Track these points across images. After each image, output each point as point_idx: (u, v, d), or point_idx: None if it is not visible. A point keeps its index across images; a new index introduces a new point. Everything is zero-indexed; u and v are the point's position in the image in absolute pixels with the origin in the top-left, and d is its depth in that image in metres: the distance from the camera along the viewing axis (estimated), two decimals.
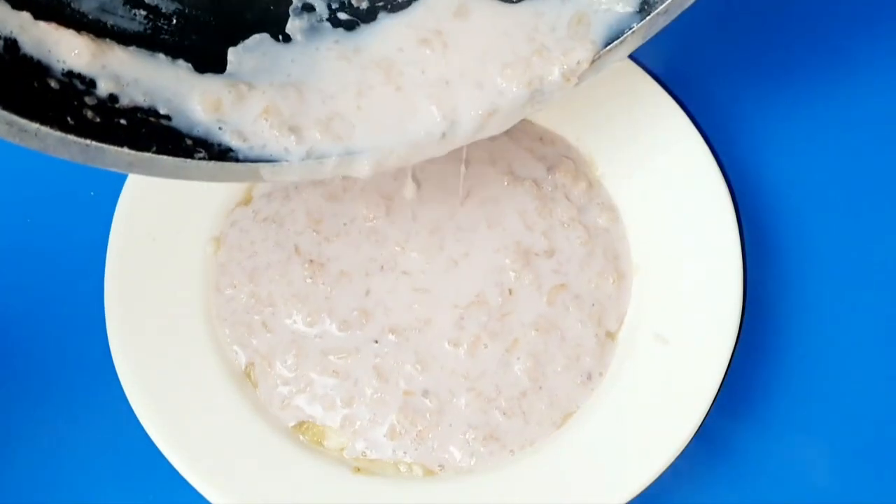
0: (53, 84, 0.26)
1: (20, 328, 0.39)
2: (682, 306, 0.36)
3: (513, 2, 0.31)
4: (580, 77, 0.30)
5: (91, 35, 0.27)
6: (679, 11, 0.30)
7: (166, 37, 0.29)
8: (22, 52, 0.25)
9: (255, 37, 0.31)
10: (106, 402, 0.36)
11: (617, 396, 0.35)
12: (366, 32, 0.31)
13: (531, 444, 0.35)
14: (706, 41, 0.45)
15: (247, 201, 0.39)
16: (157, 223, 0.38)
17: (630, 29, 0.30)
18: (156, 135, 0.27)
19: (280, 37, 0.31)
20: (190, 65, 0.29)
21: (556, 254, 0.38)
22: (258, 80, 0.30)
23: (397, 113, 0.30)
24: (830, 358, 0.38)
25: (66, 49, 0.26)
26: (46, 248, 0.41)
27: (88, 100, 0.26)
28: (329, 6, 0.32)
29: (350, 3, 0.32)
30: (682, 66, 0.42)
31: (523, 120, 0.40)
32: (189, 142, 0.28)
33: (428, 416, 0.35)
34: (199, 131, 0.28)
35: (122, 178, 0.38)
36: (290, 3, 0.31)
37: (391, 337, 0.36)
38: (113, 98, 0.27)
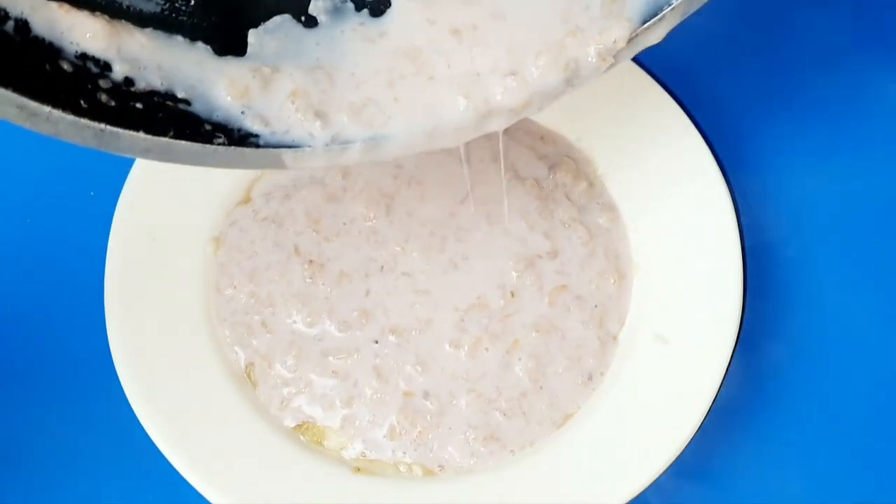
0: (66, 67, 0.25)
1: (20, 328, 0.39)
2: (682, 306, 0.36)
3: None
4: (616, 56, 0.29)
5: (106, 16, 0.26)
6: None
7: (184, 18, 0.28)
8: (33, 33, 0.24)
9: (276, 18, 0.29)
10: (106, 402, 0.36)
11: (617, 396, 0.35)
12: (389, 17, 0.30)
13: (531, 444, 0.35)
14: (707, 41, 0.45)
15: (246, 200, 0.39)
16: (156, 223, 0.37)
17: (669, 5, 0.28)
18: (173, 119, 0.26)
19: (302, 18, 0.30)
20: (209, 47, 0.28)
21: (559, 255, 0.38)
22: (283, 63, 0.29)
23: (430, 102, 0.29)
24: (830, 358, 0.38)
25: (80, 31, 0.25)
26: (46, 247, 0.41)
27: (103, 83, 0.25)
28: None
29: None
30: (683, 65, 0.42)
31: (524, 119, 0.41)
32: (208, 127, 0.27)
33: (428, 417, 0.35)
34: (218, 116, 0.27)
35: (122, 178, 0.38)
36: None
37: (391, 338, 0.36)
38: (128, 81, 0.26)
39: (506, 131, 0.40)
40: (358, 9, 0.30)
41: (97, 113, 0.24)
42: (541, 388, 0.36)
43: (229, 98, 0.27)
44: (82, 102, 0.24)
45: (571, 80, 0.29)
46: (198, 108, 0.27)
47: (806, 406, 0.38)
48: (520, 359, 0.36)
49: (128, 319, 0.35)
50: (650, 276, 0.37)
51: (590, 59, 0.28)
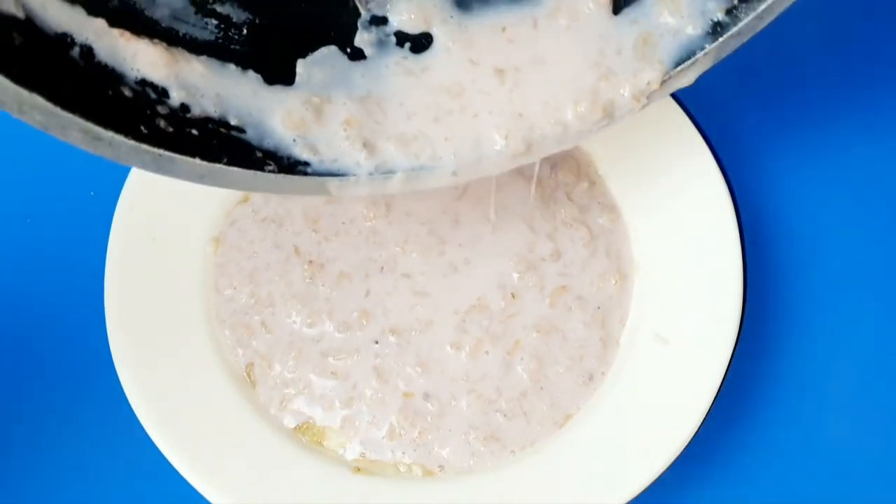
0: (127, 92, 0.25)
1: (20, 328, 0.39)
2: (683, 306, 0.36)
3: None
4: (650, 97, 0.30)
5: (164, 44, 0.26)
6: (751, 34, 0.30)
7: (237, 47, 0.29)
8: (97, 59, 0.25)
9: (323, 50, 0.30)
10: (106, 402, 0.36)
11: (617, 397, 0.35)
12: (431, 54, 0.31)
13: (532, 444, 0.35)
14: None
15: (245, 199, 0.39)
16: (156, 223, 0.37)
17: (702, 50, 0.30)
18: (226, 146, 0.27)
19: (348, 50, 0.30)
20: (260, 76, 0.29)
21: (561, 256, 0.38)
22: (333, 93, 0.30)
23: (474, 138, 0.30)
24: (830, 358, 0.38)
25: (141, 58, 0.26)
26: (46, 248, 0.41)
27: (161, 109, 0.26)
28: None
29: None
30: None
31: None
32: (259, 154, 0.28)
33: (429, 418, 0.35)
34: (269, 144, 0.28)
35: (122, 179, 0.38)
36: (360, 15, 0.31)
37: (392, 338, 0.36)
38: (184, 108, 0.27)
39: None
40: (400, 44, 0.31)
41: (155, 138, 0.25)
42: (541, 388, 0.36)
43: (284, 128, 0.28)
44: (142, 128, 0.25)
45: (607, 119, 0.30)
46: (251, 135, 0.28)
47: (806, 406, 0.38)
48: (522, 359, 0.36)
49: (128, 319, 0.35)
50: (650, 276, 0.37)
51: (624, 100, 0.30)
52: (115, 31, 0.25)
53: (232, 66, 0.28)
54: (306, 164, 0.29)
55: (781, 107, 0.43)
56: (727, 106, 0.43)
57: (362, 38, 0.31)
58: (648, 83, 0.30)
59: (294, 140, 0.29)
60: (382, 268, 0.38)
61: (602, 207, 0.39)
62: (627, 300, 0.37)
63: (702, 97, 0.41)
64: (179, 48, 0.27)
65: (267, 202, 0.39)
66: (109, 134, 0.24)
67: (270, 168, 0.28)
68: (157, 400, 0.34)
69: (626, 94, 0.30)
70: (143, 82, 0.26)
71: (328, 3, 0.31)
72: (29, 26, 0.23)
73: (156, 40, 0.26)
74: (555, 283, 0.37)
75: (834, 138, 0.42)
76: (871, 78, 0.44)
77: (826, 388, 0.38)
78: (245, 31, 0.29)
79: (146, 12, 0.26)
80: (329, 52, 0.30)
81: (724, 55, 0.30)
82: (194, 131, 0.27)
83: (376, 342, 0.36)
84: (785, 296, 0.39)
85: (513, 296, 0.37)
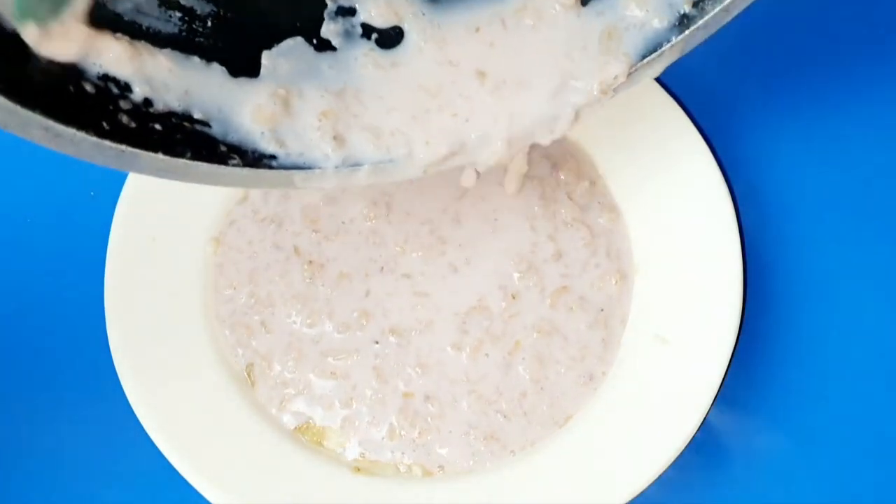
0: (89, 88, 0.25)
1: (20, 328, 0.39)
2: (682, 306, 0.36)
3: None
4: (617, 90, 0.30)
5: (128, 37, 0.26)
6: (718, 26, 0.30)
7: (201, 39, 0.28)
8: None
9: (289, 41, 0.30)
10: (106, 402, 0.36)
11: (617, 397, 0.35)
12: (403, 50, 0.31)
13: (532, 444, 0.35)
14: (707, 42, 0.45)
15: (245, 198, 0.39)
16: (156, 223, 0.37)
17: (668, 42, 0.30)
18: (190, 140, 0.27)
19: (314, 41, 0.30)
20: (224, 69, 0.28)
21: (562, 256, 0.38)
22: (305, 86, 0.29)
23: (445, 132, 0.30)
24: (831, 358, 0.38)
25: (104, 53, 0.25)
26: (46, 248, 0.41)
27: (123, 104, 0.26)
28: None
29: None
30: (682, 64, 0.42)
31: None
32: (223, 148, 0.28)
33: (429, 419, 0.35)
34: (234, 138, 0.28)
35: (122, 179, 0.38)
36: (325, 6, 0.30)
37: (392, 338, 0.36)
38: (148, 102, 0.26)
39: None
40: (366, 35, 0.30)
41: (118, 134, 0.25)
42: (542, 388, 0.36)
43: (253, 122, 0.28)
44: (104, 124, 0.25)
45: (578, 114, 0.30)
46: (215, 129, 0.28)
47: (806, 406, 0.38)
48: (524, 358, 0.36)
49: (128, 319, 0.35)
50: (649, 276, 0.37)
51: (593, 94, 0.30)
52: (79, 26, 0.25)
53: (196, 60, 0.28)
54: (272, 157, 0.29)
55: (782, 107, 0.43)
56: (727, 106, 0.42)
57: (329, 29, 0.30)
58: (615, 77, 0.30)
59: (262, 133, 0.28)
60: (382, 268, 0.38)
61: (602, 207, 0.39)
62: (628, 300, 0.37)
63: (702, 97, 0.41)
64: (143, 42, 0.26)
65: (266, 202, 0.39)
66: (71, 131, 0.23)
67: (235, 162, 0.28)
68: (156, 400, 0.34)
69: (593, 89, 0.30)
70: (106, 77, 0.25)
71: None
72: None
73: (119, 35, 0.26)
74: (556, 283, 0.37)
75: (836, 139, 0.42)
76: (873, 77, 0.43)
77: (826, 388, 0.38)
78: (209, 24, 0.29)
79: (108, 6, 0.26)
80: (295, 44, 0.30)
81: (690, 47, 0.30)
82: (157, 126, 0.26)
83: (376, 342, 0.36)
84: (785, 296, 0.39)
85: (513, 297, 0.37)
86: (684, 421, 0.33)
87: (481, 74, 0.30)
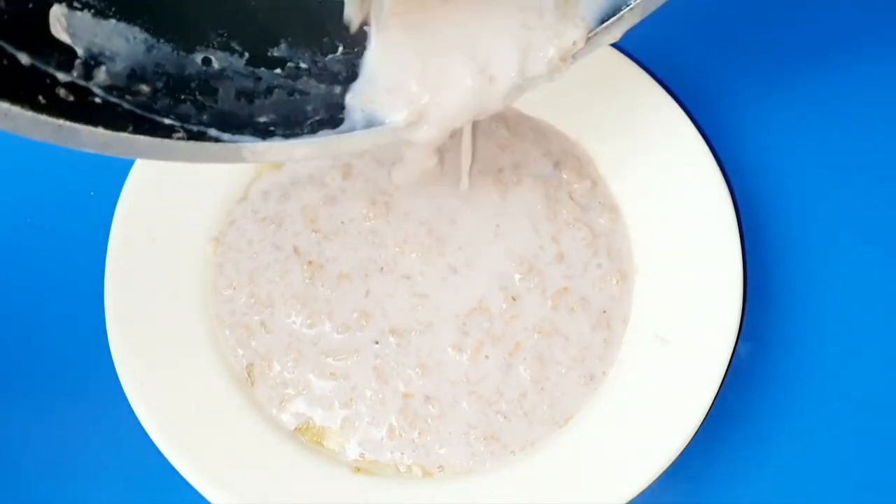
0: (24, 60, 0.24)
1: (20, 328, 0.39)
2: (683, 306, 0.36)
3: None
4: (576, 56, 0.29)
5: (65, 4, 0.25)
6: None
7: (144, 6, 0.27)
8: None
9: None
10: (106, 402, 0.36)
11: (617, 397, 0.35)
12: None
13: (532, 444, 0.35)
14: (706, 40, 0.45)
15: (244, 198, 0.39)
16: (156, 223, 0.37)
17: (627, 6, 0.29)
18: (132, 114, 0.26)
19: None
20: (170, 46, 0.28)
21: (564, 257, 0.38)
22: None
23: (402, 108, 0.29)
24: (831, 357, 0.38)
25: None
26: (46, 248, 0.41)
27: (61, 76, 0.25)
28: None
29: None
30: (682, 64, 0.42)
31: (527, 117, 0.40)
32: (167, 121, 0.27)
33: (429, 420, 0.35)
34: (180, 109, 0.27)
35: (122, 178, 0.38)
36: None
37: (392, 339, 0.36)
38: (88, 75, 0.25)
39: (509, 127, 0.40)
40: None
41: (56, 108, 0.24)
42: (542, 388, 0.36)
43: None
44: (41, 98, 0.24)
45: (533, 83, 0.29)
46: (160, 103, 0.27)
47: (806, 406, 0.38)
48: (524, 359, 0.36)
49: (128, 320, 0.35)
50: (649, 276, 0.37)
51: (551, 61, 0.29)
52: None
53: (137, 30, 0.27)
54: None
55: (783, 107, 0.43)
56: (728, 106, 0.42)
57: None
58: (574, 43, 0.29)
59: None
60: (382, 268, 0.38)
61: (603, 207, 0.39)
62: (628, 300, 0.37)
63: (702, 97, 0.41)
64: (83, 10, 0.26)
65: (266, 201, 0.39)
66: (5, 105, 0.22)
67: (179, 136, 0.27)
68: (157, 400, 0.34)
69: (552, 56, 0.29)
70: (43, 50, 0.24)
71: None
72: None
73: (54, 1, 0.25)
74: (557, 284, 0.37)
75: (836, 139, 0.42)
76: (873, 76, 0.43)
77: (826, 388, 0.38)
78: None
79: None
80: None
81: (651, 10, 0.29)
82: (97, 100, 0.25)
83: (376, 343, 0.36)
84: (785, 296, 0.39)
85: (514, 298, 0.37)
86: (684, 421, 0.33)
87: (437, 43, 0.29)
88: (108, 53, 0.26)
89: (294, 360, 0.36)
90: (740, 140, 0.42)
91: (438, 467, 0.35)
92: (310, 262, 0.38)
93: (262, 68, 0.30)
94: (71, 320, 0.39)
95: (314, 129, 0.29)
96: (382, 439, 0.35)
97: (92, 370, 0.37)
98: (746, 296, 0.36)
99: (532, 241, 0.38)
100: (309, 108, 0.29)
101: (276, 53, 0.30)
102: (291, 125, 0.29)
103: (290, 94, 0.30)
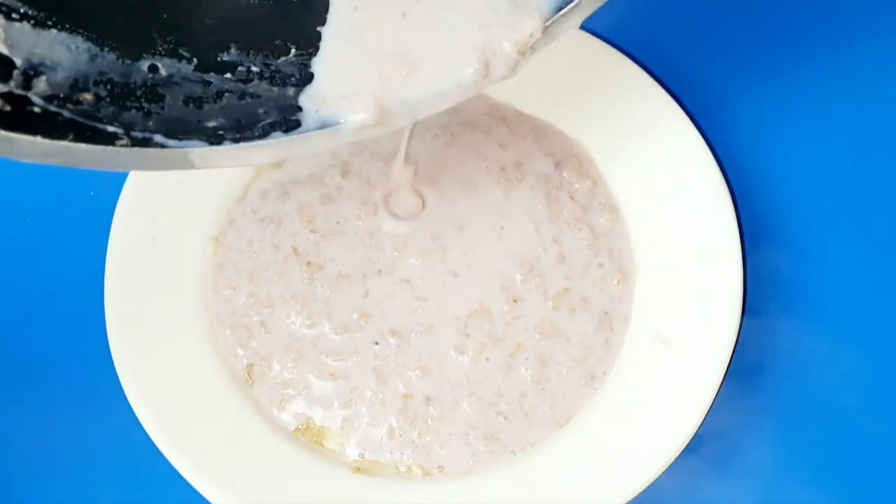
0: None
1: (20, 328, 0.39)
2: (682, 306, 0.36)
3: None
4: (534, 47, 0.28)
5: (2, 15, 0.24)
6: None
7: (87, 16, 0.27)
8: None
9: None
10: (106, 402, 0.36)
11: (617, 397, 0.35)
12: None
13: (532, 444, 0.35)
14: (706, 40, 0.44)
15: (243, 197, 0.39)
16: (156, 223, 0.37)
17: None
18: (73, 122, 0.25)
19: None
20: (115, 54, 0.27)
21: (565, 258, 0.38)
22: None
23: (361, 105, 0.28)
24: (831, 357, 0.38)
25: None
26: (46, 248, 0.41)
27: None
28: None
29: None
30: (682, 65, 0.42)
31: (527, 116, 0.40)
32: (111, 128, 0.26)
33: (429, 421, 0.35)
34: (123, 117, 0.26)
35: (121, 178, 0.38)
36: None
37: (391, 340, 0.36)
38: (27, 86, 0.25)
39: (508, 126, 0.40)
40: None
41: None
42: (543, 389, 0.36)
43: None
44: None
45: (491, 76, 0.29)
46: (103, 109, 0.26)
47: (807, 406, 0.38)
48: (525, 360, 0.36)
49: (128, 320, 0.35)
50: (649, 276, 0.37)
51: (508, 54, 0.28)
52: None
53: (80, 40, 0.26)
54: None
55: (783, 107, 0.43)
56: (727, 106, 0.42)
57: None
58: (531, 34, 0.28)
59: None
60: (381, 270, 0.38)
61: (603, 207, 0.39)
62: (629, 300, 0.37)
63: (702, 97, 0.41)
64: (20, 20, 0.25)
65: (265, 201, 0.39)
66: None
67: (123, 143, 0.26)
68: (156, 400, 0.34)
69: (509, 50, 0.28)
70: None
71: None
72: None
73: None
74: (558, 285, 0.37)
75: (837, 139, 0.42)
76: (873, 75, 0.43)
77: (827, 388, 0.38)
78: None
79: None
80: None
81: None
82: (36, 109, 0.25)
83: (376, 343, 0.36)
84: (785, 296, 0.39)
85: (515, 300, 0.37)
86: (684, 421, 0.33)
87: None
88: (49, 63, 0.26)
89: (294, 361, 0.36)
90: (740, 140, 0.42)
91: (438, 467, 0.35)
92: (308, 263, 0.38)
93: (212, 73, 0.29)
94: (71, 320, 0.39)
95: (266, 132, 0.28)
96: (382, 439, 0.35)
97: (92, 370, 0.37)
98: (746, 296, 0.36)
99: (534, 242, 0.38)
100: (261, 111, 0.29)
101: (225, 58, 0.29)
102: (242, 129, 0.28)
103: (241, 97, 0.29)
